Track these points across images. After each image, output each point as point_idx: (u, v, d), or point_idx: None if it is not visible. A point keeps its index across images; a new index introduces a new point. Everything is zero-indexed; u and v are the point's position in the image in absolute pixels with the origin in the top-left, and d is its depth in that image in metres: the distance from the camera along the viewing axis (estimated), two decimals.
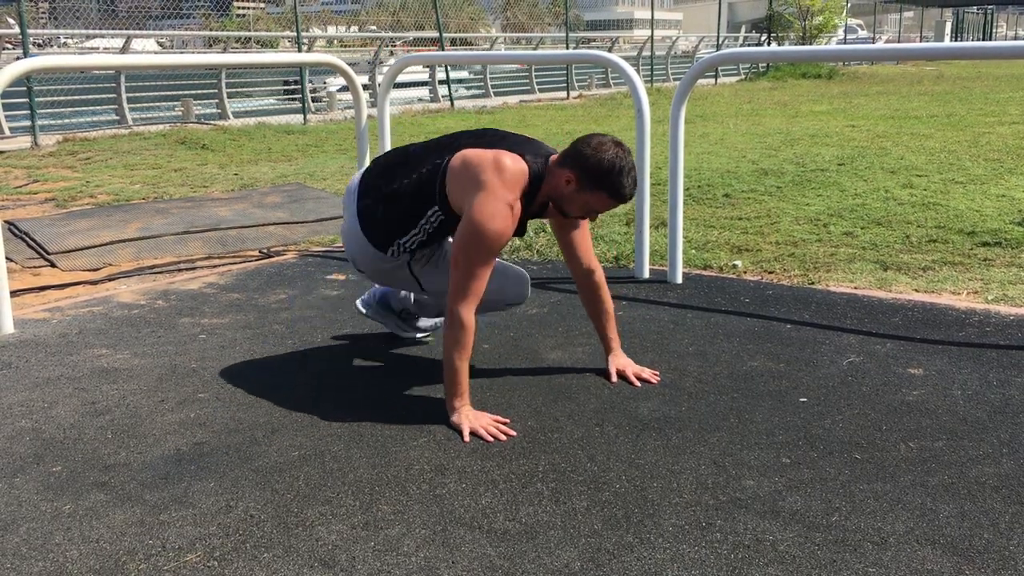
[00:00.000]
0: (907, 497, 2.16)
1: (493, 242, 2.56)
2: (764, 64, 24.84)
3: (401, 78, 17.06)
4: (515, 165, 2.60)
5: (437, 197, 2.68)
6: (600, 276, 2.96)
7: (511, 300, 3.02)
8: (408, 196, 2.73)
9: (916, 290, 3.98)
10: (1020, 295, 3.84)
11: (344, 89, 16.38)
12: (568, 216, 2.72)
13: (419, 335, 3.41)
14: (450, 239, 2.92)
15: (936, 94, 16.09)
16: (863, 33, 46.52)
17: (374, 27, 19.82)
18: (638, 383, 2.91)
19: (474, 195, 2.57)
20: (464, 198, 2.61)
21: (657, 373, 2.98)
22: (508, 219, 2.57)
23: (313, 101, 16.03)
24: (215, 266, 4.74)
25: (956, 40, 46.79)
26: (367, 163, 4.83)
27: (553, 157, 2.68)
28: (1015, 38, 60.69)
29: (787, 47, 22.62)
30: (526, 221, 2.72)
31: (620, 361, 2.99)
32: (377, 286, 3.33)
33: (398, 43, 19.05)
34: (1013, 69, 24.18)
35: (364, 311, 3.36)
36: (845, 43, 34.66)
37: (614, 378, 2.95)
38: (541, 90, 19.82)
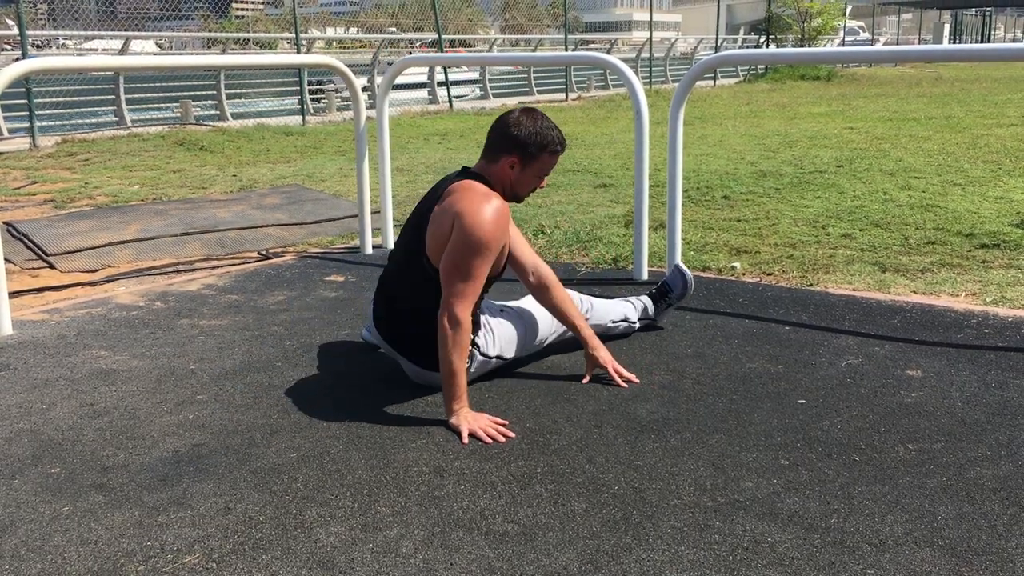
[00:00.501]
0: (905, 499, 2.16)
1: (488, 242, 2.60)
2: (763, 66, 24.86)
3: (408, 79, 17.58)
4: (474, 185, 2.71)
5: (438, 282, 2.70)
6: (548, 271, 2.99)
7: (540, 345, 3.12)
8: (423, 308, 2.72)
9: (914, 292, 3.98)
10: (1018, 297, 3.84)
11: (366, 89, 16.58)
12: (523, 198, 2.85)
13: None
14: (488, 300, 3.01)
15: (934, 96, 16.11)
16: (864, 35, 46.58)
17: (394, 28, 19.80)
18: (620, 381, 2.91)
19: (458, 219, 2.62)
20: (450, 230, 2.64)
21: (636, 380, 2.95)
22: (504, 217, 2.65)
23: (342, 100, 16.50)
24: (214, 268, 4.74)
25: (954, 42, 46.86)
26: (366, 177, 4.84)
27: (467, 170, 2.80)
28: (1013, 40, 60.73)
29: (786, 49, 22.66)
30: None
31: (600, 354, 2.96)
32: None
33: (418, 44, 19.10)
34: (1012, 71, 24.21)
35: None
36: (844, 45, 34.70)
37: (588, 377, 2.95)
38: (540, 92, 19.83)
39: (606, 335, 3.27)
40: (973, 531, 2.02)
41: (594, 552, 1.97)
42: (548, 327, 3.07)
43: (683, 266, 3.48)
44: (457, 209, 2.64)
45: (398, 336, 2.88)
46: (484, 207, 2.62)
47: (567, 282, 4.19)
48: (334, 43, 25.09)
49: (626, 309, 3.36)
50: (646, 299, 3.44)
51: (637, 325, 3.39)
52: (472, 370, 2.87)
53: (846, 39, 37.26)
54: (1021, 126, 10.59)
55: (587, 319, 3.13)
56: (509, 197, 2.80)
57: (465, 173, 2.80)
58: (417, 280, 2.76)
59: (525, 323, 3.03)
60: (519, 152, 2.73)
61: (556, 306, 2.99)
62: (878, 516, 2.09)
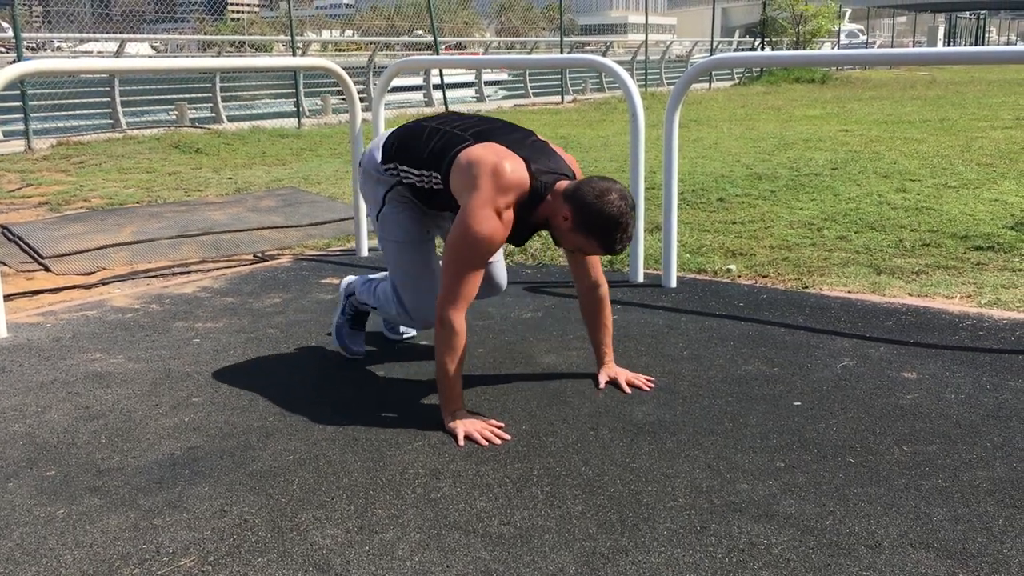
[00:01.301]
0: (901, 501, 2.17)
1: (482, 246, 2.55)
2: (758, 69, 24.91)
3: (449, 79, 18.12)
4: (514, 174, 2.56)
5: (443, 173, 2.70)
6: (604, 291, 2.93)
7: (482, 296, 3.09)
8: (426, 151, 2.75)
9: (909, 294, 3.99)
10: (1013, 299, 3.85)
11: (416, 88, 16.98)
12: (559, 245, 2.71)
13: (404, 335, 3.44)
14: (429, 226, 2.99)
15: (929, 99, 16.15)
16: (863, 38, 46.76)
17: (421, 32, 19.92)
18: (628, 389, 2.91)
19: (468, 196, 2.58)
20: (460, 195, 2.63)
21: (652, 380, 2.97)
22: (498, 224, 2.55)
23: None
24: (209, 270, 4.74)
25: (949, 45, 47.01)
26: None
27: (561, 184, 2.62)
28: (1007, 43, 60.94)
29: (780, 52, 22.68)
30: (527, 232, 2.70)
31: (612, 371, 2.98)
32: (357, 289, 3.27)
33: (445, 48, 19.34)
34: (1005, 74, 24.28)
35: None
36: (838, 47, 34.78)
37: (602, 384, 2.95)
38: (536, 94, 19.85)
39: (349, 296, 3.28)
40: (968, 533, 2.02)
41: (590, 554, 1.97)
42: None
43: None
44: (476, 187, 2.56)
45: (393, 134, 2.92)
46: (489, 214, 2.54)
47: (563, 285, 4.20)
48: (330, 45, 25.09)
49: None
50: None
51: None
52: (386, 171, 2.88)
53: (845, 42, 37.43)
54: (1015, 128, 10.62)
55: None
56: (543, 226, 2.67)
57: (552, 172, 2.64)
58: (429, 150, 2.75)
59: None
60: (577, 215, 2.54)
61: (596, 324, 2.96)
62: (873, 518, 2.09)
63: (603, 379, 2.96)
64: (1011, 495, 2.18)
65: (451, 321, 2.57)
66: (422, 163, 2.77)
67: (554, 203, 2.60)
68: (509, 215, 2.59)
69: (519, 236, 2.70)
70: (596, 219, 2.51)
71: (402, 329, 3.46)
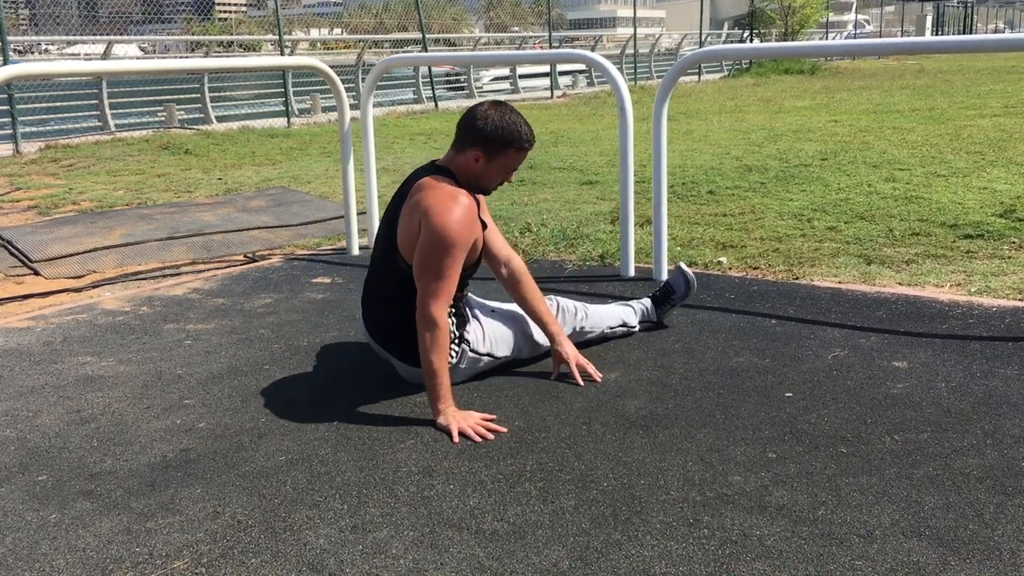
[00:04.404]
0: (892, 490, 2.18)
1: (459, 240, 2.60)
2: (747, 60, 24.92)
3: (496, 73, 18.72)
4: (440, 182, 2.69)
5: (406, 272, 2.73)
6: (519, 263, 2.99)
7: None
8: (407, 306, 2.72)
9: (899, 283, 4.00)
10: (1002, 286, 3.87)
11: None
12: (490, 191, 2.82)
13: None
14: (470, 294, 3.01)
15: (918, 88, 16.18)
16: (871, 28, 46.90)
17: (466, 41, 20.29)
18: (580, 378, 2.90)
19: (426, 217, 2.62)
20: (421, 230, 2.65)
21: (598, 374, 2.96)
22: (471, 212, 2.65)
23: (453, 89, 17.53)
24: (200, 271, 4.72)
25: (937, 34, 47.10)
26: (351, 179, 4.83)
27: (434, 164, 2.79)
28: (995, 31, 61.09)
29: (769, 43, 22.68)
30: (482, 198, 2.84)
31: (564, 351, 2.95)
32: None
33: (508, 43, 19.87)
34: (993, 62, 24.32)
35: None
36: (833, 39, 34.79)
37: (555, 374, 2.96)
38: (525, 89, 19.83)
39: (604, 339, 3.28)
40: (960, 520, 2.03)
41: (584, 549, 1.97)
42: (541, 332, 3.05)
43: (684, 266, 3.44)
44: (424, 208, 2.63)
45: (386, 335, 2.89)
46: (450, 206, 2.62)
47: (554, 279, 4.20)
48: (318, 44, 25.02)
49: (624, 314, 3.34)
50: (647, 302, 3.42)
51: (637, 328, 3.38)
52: (463, 367, 2.87)
53: (853, 32, 37.59)
54: (1003, 116, 10.65)
55: (582, 327, 3.15)
56: (475, 189, 2.78)
57: (432, 167, 2.80)
58: (395, 278, 2.77)
59: (518, 324, 3.03)
60: (483, 146, 2.71)
61: (525, 299, 2.98)
62: (865, 507, 2.10)
63: (556, 364, 2.96)
64: (1002, 482, 2.19)
65: (434, 317, 2.58)
66: (405, 279, 2.75)
67: (462, 164, 2.74)
68: (471, 202, 2.69)
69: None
70: (495, 133, 2.68)
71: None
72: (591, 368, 2.95)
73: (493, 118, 2.70)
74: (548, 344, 3.02)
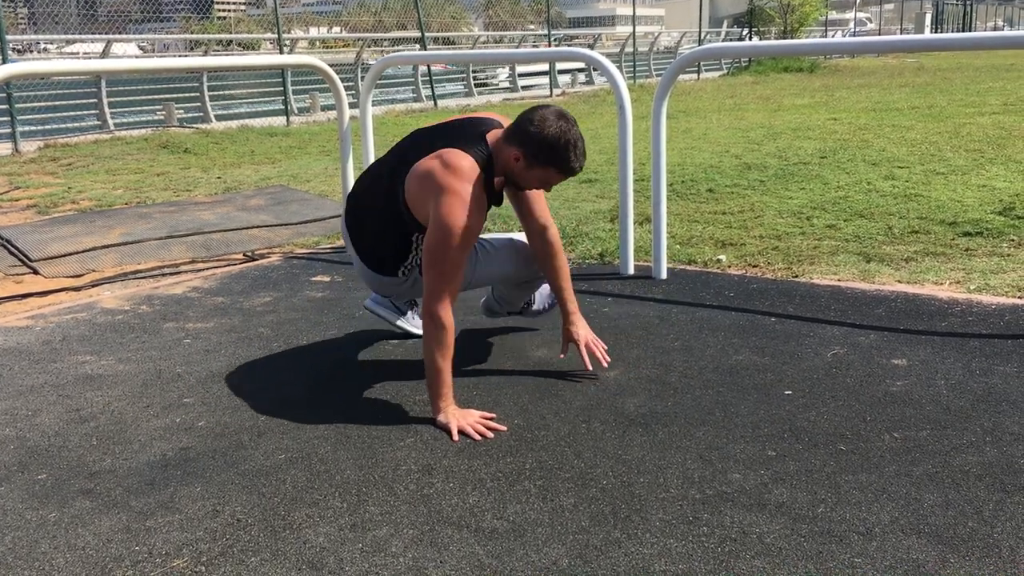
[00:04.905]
0: (892, 487, 2.18)
1: (464, 239, 2.57)
2: (746, 59, 24.90)
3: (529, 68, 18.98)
4: (462, 160, 2.60)
5: (409, 224, 2.73)
6: (554, 234, 2.91)
7: (524, 278, 3.05)
8: (389, 232, 2.78)
9: (899, 281, 4.00)
10: (1002, 284, 3.87)
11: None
12: (524, 189, 2.74)
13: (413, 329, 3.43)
14: None
15: (917, 86, 16.17)
16: (872, 26, 46.91)
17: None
18: (587, 361, 2.88)
19: (436, 200, 2.59)
20: (426, 203, 2.64)
21: (607, 355, 2.94)
22: (475, 212, 2.58)
23: (477, 86, 17.81)
24: (199, 270, 4.72)
25: (936, 31, 47.08)
26: (350, 177, 4.83)
27: (492, 133, 2.68)
28: (994, 29, 61.03)
29: (768, 41, 22.67)
30: (498, 195, 2.76)
31: (575, 331, 2.93)
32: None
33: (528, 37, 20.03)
34: (992, 60, 24.32)
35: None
36: (832, 37, 34.80)
37: (563, 354, 2.95)
38: (524, 88, 19.82)
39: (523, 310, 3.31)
40: (959, 518, 2.03)
41: (583, 547, 1.97)
42: (512, 261, 2.98)
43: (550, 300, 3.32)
44: (435, 194, 2.59)
45: (360, 237, 2.90)
46: (457, 205, 2.55)
47: None
48: (317, 43, 25.01)
49: (542, 290, 3.28)
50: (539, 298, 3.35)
51: (527, 308, 3.31)
52: (402, 276, 2.89)
53: (855, 30, 37.64)
54: (1003, 114, 10.65)
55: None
56: (510, 182, 2.70)
57: (476, 136, 2.66)
58: (394, 218, 2.75)
59: (481, 255, 2.97)
60: (527, 151, 2.58)
61: (552, 271, 2.92)
62: (865, 505, 2.10)
63: (565, 343, 2.94)
64: (1001, 480, 2.19)
65: (439, 316, 2.58)
66: (401, 244, 2.78)
67: (502, 155, 2.63)
68: (483, 198, 2.62)
69: (496, 198, 2.75)
70: (543, 145, 2.54)
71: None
72: (600, 351, 2.92)
73: (549, 130, 2.55)
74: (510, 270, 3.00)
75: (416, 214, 2.70)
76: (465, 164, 2.61)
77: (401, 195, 2.71)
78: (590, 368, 2.89)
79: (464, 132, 2.72)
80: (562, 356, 2.96)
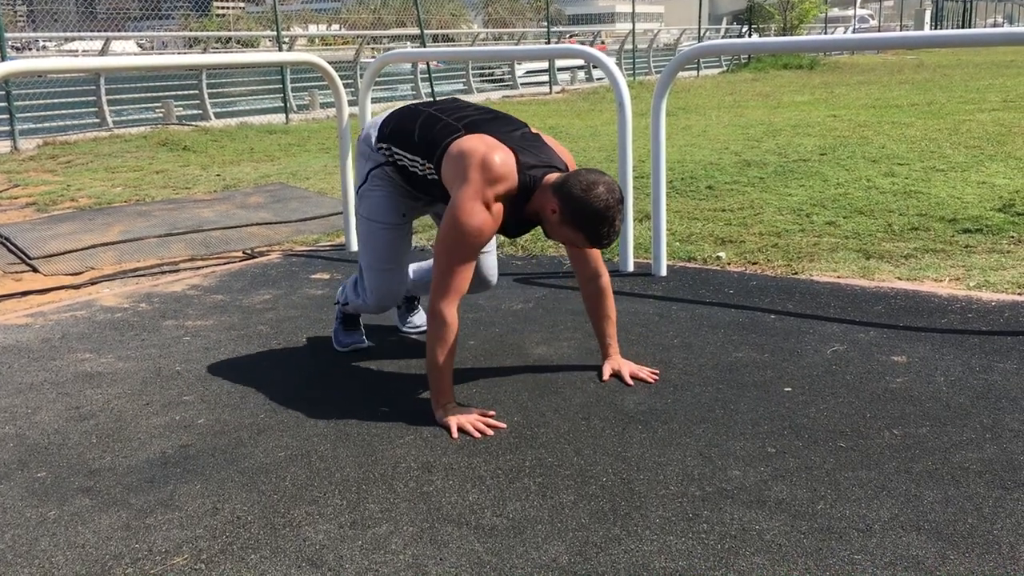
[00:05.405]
0: (892, 484, 2.18)
1: (471, 239, 2.54)
2: (746, 56, 24.90)
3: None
4: (503, 166, 2.55)
5: (435, 163, 2.69)
6: (605, 281, 2.90)
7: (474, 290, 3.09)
8: (418, 137, 2.75)
9: (899, 278, 4.00)
10: (1001, 281, 3.87)
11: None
12: (549, 237, 2.69)
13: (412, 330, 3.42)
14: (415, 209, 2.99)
15: (916, 83, 16.17)
16: (873, 22, 46.89)
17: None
18: (631, 382, 2.88)
19: (457, 188, 2.57)
20: (451, 185, 2.62)
21: (656, 372, 2.94)
22: (487, 216, 2.54)
23: (495, 81, 17.90)
24: (198, 268, 4.72)
25: (936, 28, 47.04)
26: (350, 175, 4.83)
27: (550, 176, 2.61)
28: (994, 25, 61.01)
29: (768, 38, 22.67)
30: (519, 225, 2.70)
31: (616, 363, 2.94)
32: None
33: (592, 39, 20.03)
34: (992, 56, 24.31)
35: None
36: (831, 33, 34.81)
37: (606, 377, 2.93)
38: (524, 84, 19.81)
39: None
40: (959, 514, 2.03)
41: (583, 544, 1.97)
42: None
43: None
44: (455, 188, 2.57)
45: (392, 117, 2.91)
46: (477, 208, 2.53)
47: (553, 275, 4.20)
48: (316, 40, 25.01)
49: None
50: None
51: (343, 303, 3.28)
52: (378, 148, 2.88)
53: (857, 27, 37.66)
54: (1002, 111, 10.64)
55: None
56: (533, 218, 2.67)
57: (542, 166, 2.64)
58: (423, 138, 2.74)
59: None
60: (564, 208, 2.53)
61: (598, 316, 2.94)
62: (864, 501, 2.10)
63: (607, 371, 2.94)
64: (1001, 476, 2.19)
65: (443, 313, 2.57)
66: (414, 148, 2.76)
67: (543, 195, 2.60)
68: (498, 207, 2.58)
69: (511, 228, 2.70)
70: (583, 212, 2.50)
71: (417, 321, 3.46)
72: (644, 373, 2.92)
73: (594, 201, 2.48)
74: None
75: (443, 172, 2.66)
76: (502, 171, 2.56)
77: (443, 149, 2.66)
78: (631, 384, 2.88)
79: (545, 151, 2.69)
80: (605, 379, 2.93)
